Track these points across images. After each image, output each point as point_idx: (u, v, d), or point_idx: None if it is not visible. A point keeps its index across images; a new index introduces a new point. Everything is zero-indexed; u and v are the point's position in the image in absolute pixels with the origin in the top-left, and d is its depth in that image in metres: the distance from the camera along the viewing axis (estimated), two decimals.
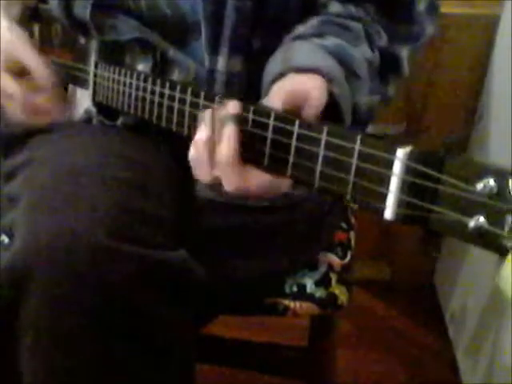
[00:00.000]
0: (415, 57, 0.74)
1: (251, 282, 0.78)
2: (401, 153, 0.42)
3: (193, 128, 0.59)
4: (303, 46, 0.63)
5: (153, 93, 0.65)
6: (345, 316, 0.93)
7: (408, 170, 0.42)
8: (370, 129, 0.72)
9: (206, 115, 0.55)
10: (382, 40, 0.70)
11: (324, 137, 0.48)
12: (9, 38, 0.71)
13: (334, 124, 0.50)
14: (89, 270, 0.58)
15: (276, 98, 0.55)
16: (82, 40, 0.78)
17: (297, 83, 0.57)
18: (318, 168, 0.48)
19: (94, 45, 0.76)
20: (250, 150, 0.53)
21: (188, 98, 0.60)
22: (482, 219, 0.38)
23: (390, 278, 1.62)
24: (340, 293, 0.83)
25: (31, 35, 0.84)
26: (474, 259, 1.35)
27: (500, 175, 0.37)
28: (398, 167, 0.42)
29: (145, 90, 0.67)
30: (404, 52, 0.72)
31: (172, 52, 0.73)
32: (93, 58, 0.76)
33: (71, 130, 0.78)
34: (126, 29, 0.73)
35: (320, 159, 0.48)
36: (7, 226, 0.66)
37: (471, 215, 0.38)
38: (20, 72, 0.71)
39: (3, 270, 0.59)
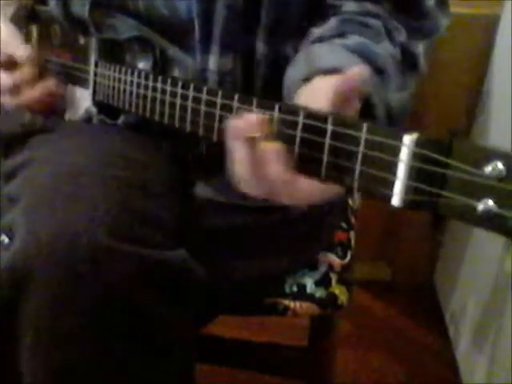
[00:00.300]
0: (430, 53, 0.72)
1: (251, 281, 0.78)
2: (407, 139, 0.42)
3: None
4: (325, 48, 0.62)
5: (155, 90, 0.65)
6: (345, 316, 0.93)
7: (415, 156, 0.42)
8: None
9: (239, 130, 0.51)
10: (402, 36, 0.68)
11: (330, 126, 0.47)
12: (2, 36, 0.74)
13: (337, 114, 0.49)
14: (89, 270, 0.58)
15: (323, 100, 0.51)
16: (82, 40, 0.78)
17: (338, 84, 0.53)
18: (325, 158, 0.48)
19: (93, 44, 0.76)
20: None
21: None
22: (490, 202, 0.38)
23: (390, 278, 1.62)
24: (340, 293, 0.83)
25: (29, 36, 0.84)
26: (474, 259, 1.35)
27: (508, 158, 0.37)
28: (405, 154, 0.42)
29: (147, 87, 0.67)
30: (420, 48, 0.71)
31: (171, 50, 0.73)
32: (92, 57, 0.76)
33: (71, 130, 0.78)
34: (125, 27, 0.73)
35: (326, 149, 0.48)
36: (7, 226, 0.66)
37: (480, 199, 0.38)
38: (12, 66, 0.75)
39: (3, 270, 0.59)
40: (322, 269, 0.85)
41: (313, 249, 0.85)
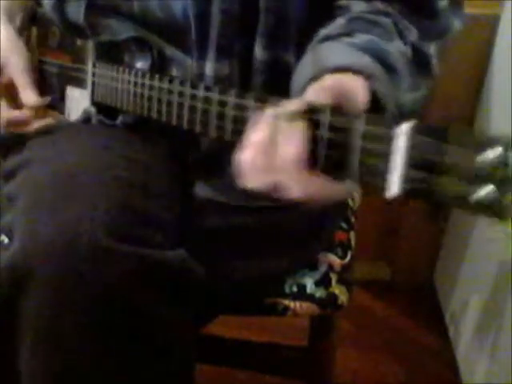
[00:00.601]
0: (442, 54, 0.71)
1: (251, 282, 0.78)
2: (405, 127, 0.42)
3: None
4: (334, 46, 0.61)
5: (152, 89, 0.65)
6: (345, 316, 0.93)
7: (413, 144, 0.41)
8: None
9: (265, 115, 0.50)
10: (413, 35, 0.67)
11: (328, 118, 0.47)
12: (6, 54, 0.77)
13: (335, 106, 0.48)
14: (89, 270, 0.58)
15: (319, 96, 0.51)
16: (79, 42, 0.78)
17: (338, 82, 0.53)
18: (323, 151, 0.48)
19: (91, 45, 0.76)
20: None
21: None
22: (489, 189, 0.37)
23: (390, 278, 1.62)
24: (340, 293, 0.83)
25: (29, 37, 0.84)
26: (474, 259, 1.35)
27: (505, 144, 0.37)
28: (402, 141, 0.42)
29: (143, 86, 0.67)
30: (432, 49, 0.69)
31: (169, 50, 0.73)
32: (91, 58, 0.76)
33: (71, 130, 0.78)
34: (122, 28, 0.73)
35: (325, 142, 0.48)
36: (7, 226, 0.66)
37: (478, 185, 0.38)
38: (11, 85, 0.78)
39: (3, 270, 0.59)
40: (322, 269, 0.85)
41: (313, 249, 0.85)
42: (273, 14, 0.68)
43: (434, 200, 0.41)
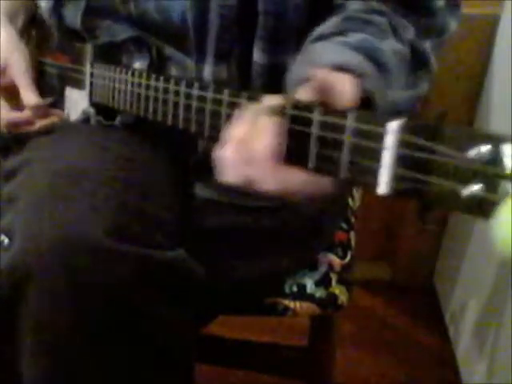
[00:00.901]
0: (439, 53, 0.71)
1: (251, 282, 0.78)
2: (393, 125, 0.41)
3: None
4: (326, 46, 0.61)
5: (149, 88, 0.65)
6: (345, 316, 0.93)
7: (401, 143, 0.41)
8: None
9: (244, 110, 0.51)
10: (409, 33, 0.67)
11: (317, 117, 0.47)
12: (7, 55, 0.77)
13: (324, 103, 0.48)
14: (88, 271, 0.58)
15: (303, 92, 0.50)
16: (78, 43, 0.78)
17: (324, 78, 0.51)
18: (313, 149, 0.47)
19: (89, 46, 0.76)
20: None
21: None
22: (477, 187, 0.37)
23: (390, 278, 1.62)
24: (340, 293, 0.83)
25: (29, 38, 0.84)
26: (474, 259, 1.35)
27: (494, 141, 0.36)
28: (390, 140, 0.41)
29: (140, 85, 0.67)
30: (428, 46, 0.69)
31: (168, 50, 0.73)
32: (89, 59, 0.76)
33: (70, 131, 0.78)
34: (120, 30, 0.73)
35: (314, 139, 0.47)
36: (7, 226, 0.66)
37: (466, 183, 0.37)
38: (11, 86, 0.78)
39: (3, 271, 0.59)
40: (322, 269, 0.85)
41: (313, 249, 0.85)
42: (272, 17, 0.68)
43: (424, 198, 0.40)
